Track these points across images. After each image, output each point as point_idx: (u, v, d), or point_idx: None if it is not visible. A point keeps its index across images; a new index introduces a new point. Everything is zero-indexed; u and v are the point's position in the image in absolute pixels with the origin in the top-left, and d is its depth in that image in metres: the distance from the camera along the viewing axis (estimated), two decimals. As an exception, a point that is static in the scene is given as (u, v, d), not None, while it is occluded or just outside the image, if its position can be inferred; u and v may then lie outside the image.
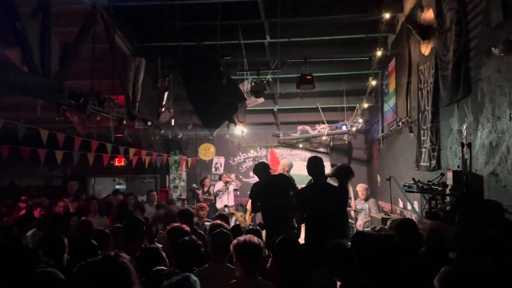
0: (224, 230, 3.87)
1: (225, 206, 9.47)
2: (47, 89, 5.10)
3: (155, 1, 6.76)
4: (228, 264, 3.57)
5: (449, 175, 4.08)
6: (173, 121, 8.78)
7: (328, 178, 5.68)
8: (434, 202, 4.34)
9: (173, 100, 8.17)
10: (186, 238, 3.85)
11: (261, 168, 6.16)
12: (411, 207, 6.35)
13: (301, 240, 5.34)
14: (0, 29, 4.54)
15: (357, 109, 9.51)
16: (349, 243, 3.98)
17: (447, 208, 3.95)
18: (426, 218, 4.27)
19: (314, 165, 5.28)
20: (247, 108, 8.43)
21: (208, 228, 4.90)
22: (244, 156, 11.90)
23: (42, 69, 4.95)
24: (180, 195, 11.70)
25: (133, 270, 2.44)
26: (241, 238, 3.32)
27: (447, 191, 4.12)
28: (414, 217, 5.70)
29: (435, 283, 2.20)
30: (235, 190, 11.06)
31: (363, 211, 7.85)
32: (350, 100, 9.65)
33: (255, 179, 6.68)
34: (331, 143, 10.88)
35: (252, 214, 6.95)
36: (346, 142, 10.83)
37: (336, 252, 3.33)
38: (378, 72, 8.42)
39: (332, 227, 4.85)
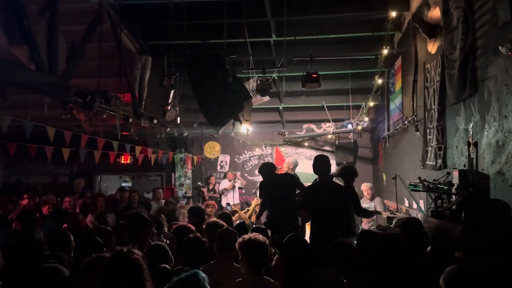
0: (230, 228, 3.88)
1: (227, 204, 9.49)
2: (54, 87, 5.12)
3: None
4: (234, 263, 3.57)
5: (455, 174, 4.06)
6: (179, 119, 8.83)
7: (334, 177, 5.69)
8: (440, 201, 4.32)
9: (179, 98, 8.18)
10: (191, 235, 3.87)
11: (267, 168, 6.18)
12: (417, 206, 6.33)
13: (306, 238, 5.35)
14: (8, 27, 4.58)
15: (363, 107, 9.47)
16: (355, 242, 3.99)
17: (453, 207, 3.93)
18: (432, 217, 4.26)
19: (320, 164, 5.30)
20: (253, 107, 8.42)
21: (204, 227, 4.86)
22: (250, 154, 11.91)
23: (49, 67, 4.97)
24: (185, 192, 11.73)
25: (145, 267, 2.45)
26: (247, 236, 3.33)
27: (453, 190, 4.10)
28: (419, 216, 5.68)
29: (441, 282, 2.20)
30: (240, 188, 11.08)
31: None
32: (356, 99, 9.61)
33: (260, 177, 6.69)
34: (337, 141, 10.86)
35: (256, 213, 6.96)
36: (352, 141, 10.82)
37: (342, 251, 3.34)
38: (384, 70, 8.38)
39: (337, 225, 4.86)
